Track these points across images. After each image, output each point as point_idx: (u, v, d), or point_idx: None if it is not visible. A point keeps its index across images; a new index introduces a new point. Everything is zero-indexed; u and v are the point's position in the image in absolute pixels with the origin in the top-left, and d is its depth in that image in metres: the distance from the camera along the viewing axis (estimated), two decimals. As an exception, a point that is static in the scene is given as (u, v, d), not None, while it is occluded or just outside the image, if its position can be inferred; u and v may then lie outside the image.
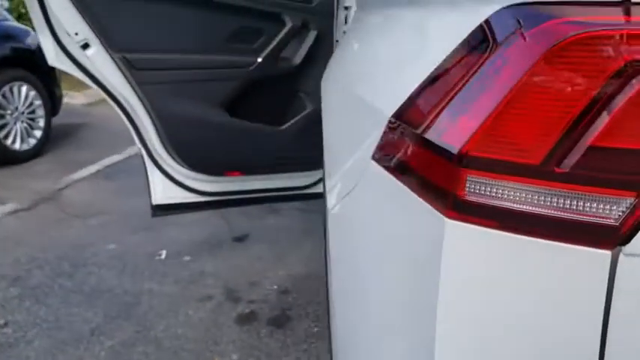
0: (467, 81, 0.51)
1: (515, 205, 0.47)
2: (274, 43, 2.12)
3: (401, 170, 0.61)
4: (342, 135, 0.93)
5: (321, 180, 2.47)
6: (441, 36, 0.65)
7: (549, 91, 0.46)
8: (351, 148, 0.83)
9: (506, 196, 0.48)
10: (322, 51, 2.19)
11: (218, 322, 2.21)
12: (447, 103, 0.53)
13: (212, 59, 2.10)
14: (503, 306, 0.50)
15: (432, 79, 0.58)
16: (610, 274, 0.46)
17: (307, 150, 2.29)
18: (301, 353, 2.02)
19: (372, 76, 0.81)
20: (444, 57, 0.58)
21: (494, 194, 0.48)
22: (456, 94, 0.52)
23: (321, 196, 2.50)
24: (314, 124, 2.22)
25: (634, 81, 0.44)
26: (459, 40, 0.58)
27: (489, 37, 0.52)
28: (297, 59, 2.16)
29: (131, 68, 2.01)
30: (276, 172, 2.35)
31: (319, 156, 2.36)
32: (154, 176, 2.28)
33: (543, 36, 0.46)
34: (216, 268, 2.63)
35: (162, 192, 2.30)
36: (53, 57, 2.07)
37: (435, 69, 0.59)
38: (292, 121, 2.24)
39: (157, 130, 2.14)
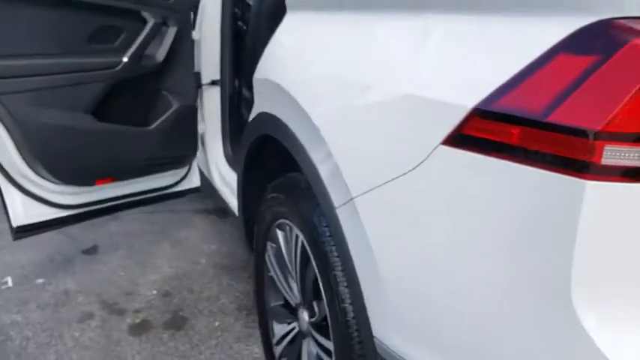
0: (587, 77, 0.70)
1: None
2: (138, 41, 2.07)
3: (502, 150, 0.78)
4: (366, 129, 1.05)
5: (184, 178, 2.50)
6: (512, 41, 0.83)
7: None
8: (391, 139, 0.98)
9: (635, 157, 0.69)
10: (182, 48, 2.21)
11: (112, 338, 2.13)
12: (571, 96, 0.71)
13: (76, 62, 1.98)
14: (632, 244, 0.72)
15: (535, 75, 0.76)
16: None
17: (174, 148, 2.31)
18: (214, 348, 2.07)
19: (427, 75, 0.95)
20: (537, 54, 0.76)
21: (625, 157, 0.69)
22: (575, 88, 0.71)
23: (183, 195, 2.52)
24: (180, 122, 2.25)
25: None
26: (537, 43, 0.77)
27: (602, 41, 0.71)
28: (160, 57, 2.14)
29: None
30: (147, 173, 2.30)
31: (185, 153, 2.38)
32: (12, 195, 2.07)
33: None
34: (80, 285, 2.48)
35: (24, 211, 2.10)
36: None
37: (532, 65, 0.76)
38: (160, 120, 2.22)
39: (16, 144, 1.95)
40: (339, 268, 1.21)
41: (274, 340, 1.74)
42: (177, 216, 3.12)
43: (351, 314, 1.18)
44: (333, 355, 1.31)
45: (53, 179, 2.07)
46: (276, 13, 1.65)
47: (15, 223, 2.09)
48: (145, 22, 2.09)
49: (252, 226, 1.81)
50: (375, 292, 1.05)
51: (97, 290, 2.44)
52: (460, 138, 0.83)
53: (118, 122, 2.13)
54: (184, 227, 3.01)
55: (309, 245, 1.34)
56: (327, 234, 1.25)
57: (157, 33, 2.11)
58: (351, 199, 1.08)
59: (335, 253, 1.23)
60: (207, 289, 2.44)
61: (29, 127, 1.93)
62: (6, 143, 1.94)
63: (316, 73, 1.25)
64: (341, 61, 1.18)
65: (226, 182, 2.41)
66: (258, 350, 2.02)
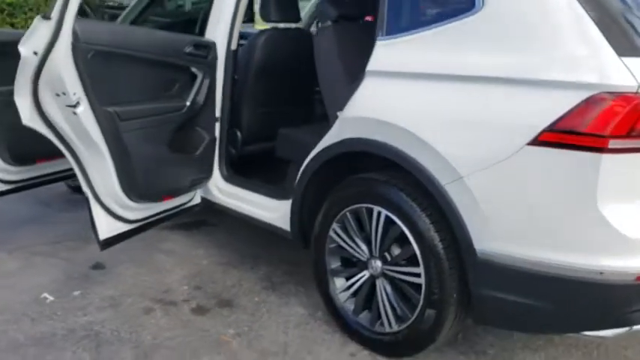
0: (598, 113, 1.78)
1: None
2: (195, 89, 2.74)
3: (559, 146, 1.83)
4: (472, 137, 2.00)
5: (193, 196, 3.15)
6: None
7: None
8: (492, 142, 1.96)
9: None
10: (210, 94, 2.92)
11: (184, 320, 2.70)
12: (593, 121, 1.79)
13: (161, 106, 2.59)
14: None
15: (573, 113, 1.82)
16: None
17: (203, 172, 3.01)
18: (267, 314, 2.78)
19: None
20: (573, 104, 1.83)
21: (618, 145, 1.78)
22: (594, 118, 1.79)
23: (192, 210, 3.15)
24: (208, 151, 2.96)
25: None
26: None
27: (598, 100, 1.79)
28: (202, 101, 2.83)
29: (117, 119, 2.34)
30: (187, 191, 2.93)
31: (206, 176, 3.04)
32: (99, 215, 2.57)
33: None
34: (118, 290, 2.94)
35: (107, 227, 2.61)
36: (28, 117, 2.20)
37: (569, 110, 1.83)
38: (201, 150, 2.88)
39: (117, 173, 2.49)
40: (430, 223, 2.15)
41: (337, 291, 2.57)
42: (155, 232, 3.63)
43: (445, 244, 2.12)
44: (423, 276, 2.22)
45: (135, 199, 2.62)
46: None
47: (101, 237, 2.59)
48: (193, 74, 2.77)
49: (303, 219, 2.63)
50: (476, 219, 2.00)
51: (136, 292, 2.94)
52: (537, 142, 1.87)
53: (175, 151, 2.76)
54: (167, 241, 3.55)
55: (398, 216, 2.25)
56: (415, 205, 2.19)
57: (202, 83, 2.80)
58: (459, 177, 2.02)
59: (424, 217, 2.16)
60: (226, 279, 3.10)
61: (133, 158, 2.49)
62: (110, 172, 2.47)
63: (414, 109, 2.17)
64: (433, 105, 2.12)
65: (229, 194, 3.11)
66: (301, 310, 2.79)
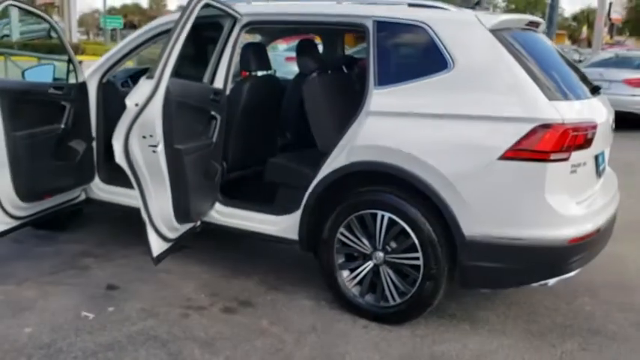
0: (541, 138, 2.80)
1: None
2: (216, 129, 3.37)
3: (520, 158, 2.81)
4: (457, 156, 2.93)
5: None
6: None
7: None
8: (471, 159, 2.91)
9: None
10: (221, 132, 3.57)
11: (228, 311, 3.29)
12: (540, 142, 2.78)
13: (202, 143, 3.20)
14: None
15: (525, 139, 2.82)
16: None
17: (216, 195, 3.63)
18: (288, 304, 3.44)
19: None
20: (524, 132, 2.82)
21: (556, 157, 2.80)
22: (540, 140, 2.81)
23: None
24: (219, 178, 3.60)
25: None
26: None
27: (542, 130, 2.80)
28: (218, 138, 3.47)
29: (184, 155, 2.92)
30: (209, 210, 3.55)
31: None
32: (152, 236, 3.09)
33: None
34: (147, 302, 3.40)
35: (157, 246, 3.13)
36: (119, 156, 2.73)
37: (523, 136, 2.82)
38: (217, 177, 3.50)
39: (174, 200, 3.05)
40: (426, 220, 3.03)
41: (345, 280, 3.34)
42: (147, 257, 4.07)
43: (437, 234, 3.01)
44: (421, 259, 3.08)
45: (181, 222, 3.17)
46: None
47: (155, 254, 3.10)
48: (213, 116, 3.41)
49: (310, 225, 3.36)
50: (464, 213, 2.91)
51: (163, 303, 3.40)
52: (504, 157, 2.84)
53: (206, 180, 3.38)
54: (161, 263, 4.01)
55: (400, 217, 3.10)
56: (414, 208, 3.06)
57: (218, 122, 3.44)
58: (450, 184, 2.93)
59: (421, 215, 3.04)
60: (233, 286, 3.66)
61: (188, 187, 3.06)
62: (168, 199, 3.02)
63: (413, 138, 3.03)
64: (426, 135, 3.01)
65: (229, 214, 3.73)
66: (308, 302, 3.48)
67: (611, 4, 27.92)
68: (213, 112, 3.38)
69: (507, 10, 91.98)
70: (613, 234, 3.44)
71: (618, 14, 34.79)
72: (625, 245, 4.41)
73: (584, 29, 49.18)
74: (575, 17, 67.72)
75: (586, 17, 55.13)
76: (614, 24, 35.08)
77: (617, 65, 11.96)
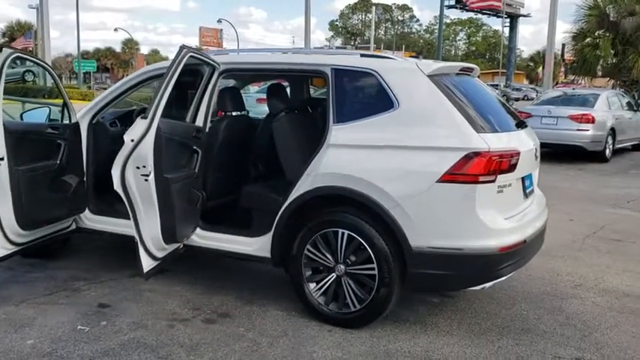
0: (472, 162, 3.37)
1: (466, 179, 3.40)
2: (198, 161, 3.88)
3: (456, 182, 3.38)
4: (402, 179, 3.47)
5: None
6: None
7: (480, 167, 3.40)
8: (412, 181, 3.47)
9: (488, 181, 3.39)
10: (202, 165, 4.07)
11: (210, 323, 3.73)
12: (469, 167, 3.36)
13: (184, 174, 3.70)
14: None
15: (455, 165, 3.38)
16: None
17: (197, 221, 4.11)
18: (262, 314, 3.91)
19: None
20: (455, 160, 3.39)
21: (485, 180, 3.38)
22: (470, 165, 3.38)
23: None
24: (201, 205, 4.09)
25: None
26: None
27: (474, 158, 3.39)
28: (199, 170, 3.97)
29: (171, 183, 3.42)
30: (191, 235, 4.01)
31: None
32: (143, 254, 3.55)
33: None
34: (138, 317, 3.83)
35: (146, 263, 3.58)
36: (117, 184, 3.21)
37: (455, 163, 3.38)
38: (199, 204, 3.99)
39: (162, 223, 3.53)
40: (379, 235, 3.57)
41: (311, 291, 3.82)
42: (130, 279, 4.50)
43: (389, 247, 3.54)
44: (376, 269, 3.60)
45: (169, 243, 3.64)
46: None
47: (145, 270, 3.56)
48: (195, 150, 3.92)
49: (281, 244, 3.86)
50: (410, 228, 3.45)
51: (152, 317, 3.83)
52: (441, 180, 3.41)
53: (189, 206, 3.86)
54: (144, 284, 4.39)
55: (357, 234, 3.63)
56: (368, 225, 3.59)
57: (200, 156, 3.96)
58: (398, 204, 3.48)
59: (374, 231, 3.58)
60: (213, 302, 4.11)
61: (175, 212, 3.55)
62: (157, 222, 3.49)
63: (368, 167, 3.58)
64: (377, 163, 3.57)
65: (208, 238, 4.19)
66: (280, 312, 3.95)
67: (564, 45, 29.44)
68: (195, 147, 3.88)
69: (468, 52, 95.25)
70: (551, 252, 4.01)
71: (572, 55, 36.69)
72: (560, 261, 5.02)
73: (540, 69, 51.41)
74: (532, 58, 70.74)
75: (542, 58, 57.62)
76: (568, 64, 36.83)
77: (564, 103, 12.91)
